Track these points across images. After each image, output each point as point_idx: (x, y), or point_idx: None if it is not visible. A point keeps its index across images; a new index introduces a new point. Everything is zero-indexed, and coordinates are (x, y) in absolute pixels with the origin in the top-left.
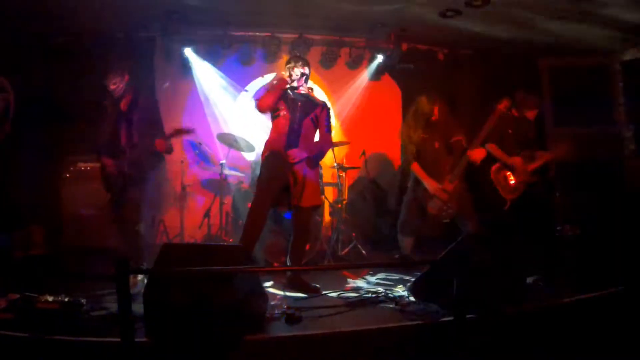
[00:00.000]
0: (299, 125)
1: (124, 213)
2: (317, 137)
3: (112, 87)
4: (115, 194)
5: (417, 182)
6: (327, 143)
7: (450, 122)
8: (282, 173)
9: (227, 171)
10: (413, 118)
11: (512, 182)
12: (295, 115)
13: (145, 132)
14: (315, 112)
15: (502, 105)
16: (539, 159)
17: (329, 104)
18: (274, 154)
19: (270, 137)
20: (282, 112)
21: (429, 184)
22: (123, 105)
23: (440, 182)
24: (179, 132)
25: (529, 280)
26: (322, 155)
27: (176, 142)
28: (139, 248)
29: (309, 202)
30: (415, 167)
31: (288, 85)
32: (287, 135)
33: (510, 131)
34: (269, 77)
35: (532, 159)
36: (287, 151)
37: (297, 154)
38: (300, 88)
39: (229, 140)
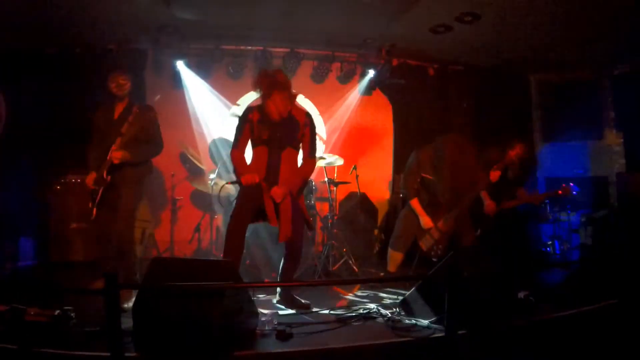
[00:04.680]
0: (278, 157)
1: (113, 225)
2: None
3: (122, 82)
4: (100, 206)
5: None
6: (309, 169)
7: (470, 166)
8: (259, 202)
9: (217, 185)
10: (432, 158)
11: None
12: (274, 148)
13: (136, 140)
14: (297, 137)
15: (514, 153)
16: (518, 199)
17: (312, 118)
18: (252, 186)
19: (251, 165)
20: (262, 143)
21: (424, 221)
22: (115, 114)
23: (437, 219)
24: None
25: (520, 295)
26: (305, 183)
27: (168, 156)
28: (130, 264)
29: (299, 230)
30: (414, 204)
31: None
32: (267, 166)
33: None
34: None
35: (512, 198)
36: (271, 190)
37: (280, 193)
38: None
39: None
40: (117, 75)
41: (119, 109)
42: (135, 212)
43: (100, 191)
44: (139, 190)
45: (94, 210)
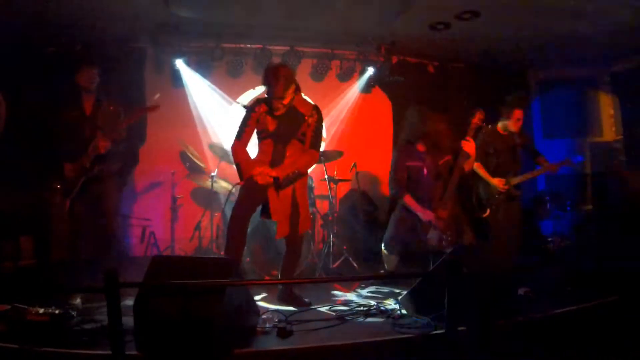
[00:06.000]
0: (283, 150)
1: (94, 215)
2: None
3: (94, 75)
4: (75, 197)
5: None
6: (306, 159)
7: (440, 142)
8: (262, 199)
9: (217, 183)
10: (408, 139)
11: (500, 189)
12: (280, 141)
13: (110, 131)
14: (302, 129)
15: (476, 119)
16: (525, 174)
17: (319, 112)
18: (252, 185)
19: (256, 159)
20: (267, 136)
21: (424, 214)
22: (87, 108)
23: (433, 210)
24: (141, 110)
25: (520, 291)
26: (297, 173)
27: (168, 154)
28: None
29: (302, 229)
30: (408, 200)
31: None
32: (272, 159)
33: (492, 151)
34: (260, 89)
35: (517, 174)
36: (255, 169)
37: (263, 173)
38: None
39: (219, 152)
40: (89, 68)
41: (88, 103)
42: (119, 204)
43: (80, 183)
44: (121, 182)
45: (67, 202)
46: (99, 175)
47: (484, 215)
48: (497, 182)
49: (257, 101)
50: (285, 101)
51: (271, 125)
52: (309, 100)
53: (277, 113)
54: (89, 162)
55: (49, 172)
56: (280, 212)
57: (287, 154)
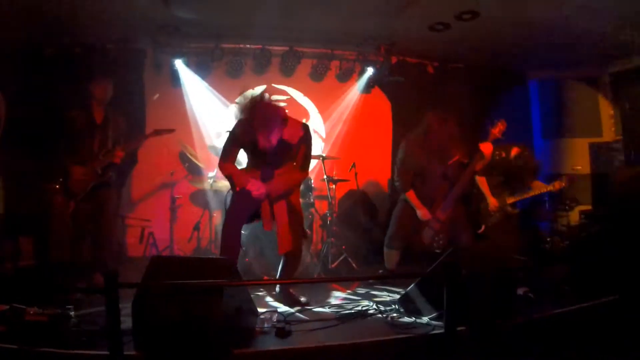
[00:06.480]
0: (272, 170)
1: (97, 218)
2: None
3: (109, 88)
4: (82, 199)
5: None
6: (296, 177)
7: (451, 142)
8: (255, 206)
9: (216, 183)
10: (419, 140)
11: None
12: (266, 169)
13: (120, 139)
14: (290, 155)
15: (497, 130)
16: (521, 193)
17: (308, 130)
18: (245, 191)
19: (246, 171)
20: (253, 159)
21: (422, 212)
22: (97, 117)
23: (434, 210)
24: (159, 131)
25: (519, 292)
26: (288, 190)
27: (167, 155)
28: (112, 254)
29: (297, 234)
30: (410, 195)
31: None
32: (261, 177)
33: (495, 173)
34: (259, 89)
35: (513, 193)
36: (250, 182)
37: (258, 187)
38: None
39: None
40: (105, 80)
41: (98, 112)
42: (118, 208)
43: (90, 187)
44: (119, 183)
45: (72, 204)
46: (108, 182)
47: (479, 231)
48: (492, 201)
49: (242, 126)
50: (274, 140)
51: (256, 153)
52: (295, 120)
53: (262, 145)
54: (101, 168)
55: (49, 173)
56: (279, 228)
57: (276, 173)
